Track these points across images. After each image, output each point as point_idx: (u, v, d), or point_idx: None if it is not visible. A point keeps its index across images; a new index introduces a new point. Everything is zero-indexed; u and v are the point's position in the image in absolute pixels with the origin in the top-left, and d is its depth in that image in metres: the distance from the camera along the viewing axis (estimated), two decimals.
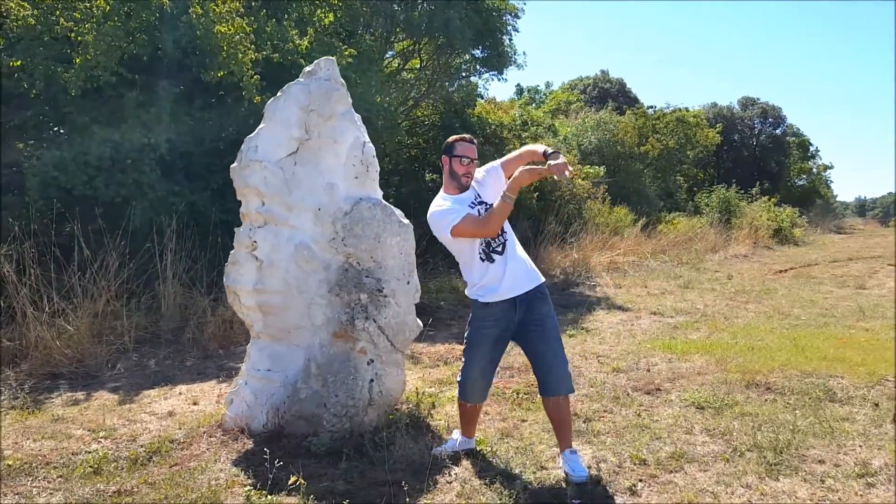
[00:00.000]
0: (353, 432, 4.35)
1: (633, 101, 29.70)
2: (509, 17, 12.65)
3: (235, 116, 9.07)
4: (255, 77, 8.17)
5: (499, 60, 12.73)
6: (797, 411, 4.80)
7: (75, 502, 3.54)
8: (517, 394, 5.38)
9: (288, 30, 8.91)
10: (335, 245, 4.46)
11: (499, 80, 13.72)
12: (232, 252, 4.65)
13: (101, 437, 4.55)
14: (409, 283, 4.64)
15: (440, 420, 4.76)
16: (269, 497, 3.51)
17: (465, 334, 4.06)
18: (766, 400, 5.09)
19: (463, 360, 4.06)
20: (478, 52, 13.17)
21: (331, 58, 4.77)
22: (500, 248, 3.89)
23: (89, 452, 4.25)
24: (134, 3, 8.14)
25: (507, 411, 4.98)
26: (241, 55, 8.10)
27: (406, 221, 4.70)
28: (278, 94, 4.69)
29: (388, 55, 13.52)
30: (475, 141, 4.09)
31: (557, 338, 3.93)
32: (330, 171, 4.55)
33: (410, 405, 4.95)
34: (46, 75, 7.95)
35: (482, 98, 15.23)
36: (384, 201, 4.68)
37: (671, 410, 4.92)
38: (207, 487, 3.68)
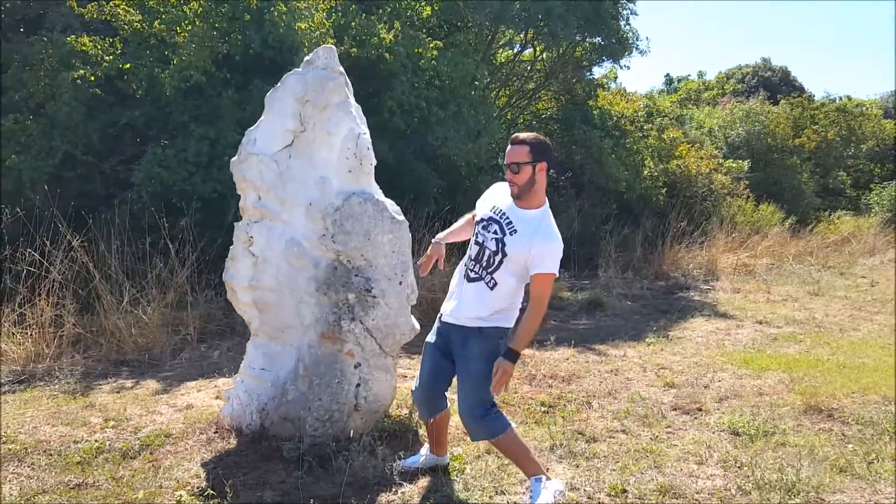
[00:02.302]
0: (336, 438, 4.17)
1: (798, 91, 27.17)
2: (624, 0, 11.90)
3: None
4: None
5: (617, 48, 12.02)
6: (850, 445, 4.05)
7: (32, 491, 3.62)
8: (541, 405, 4.97)
9: (375, 24, 8.86)
10: (325, 242, 4.28)
11: (621, 68, 12.85)
12: (231, 247, 4.62)
13: (110, 427, 4.67)
14: (401, 283, 4.38)
15: None
16: (199, 502, 3.41)
17: None
18: (819, 429, 4.35)
19: None
20: (599, 40, 12.52)
21: (330, 46, 4.60)
22: (472, 275, 3.46)
23: (88, 442, 4.37)
24: (225, 4, 8.42)
25: (517, 423, 4.59)
26: None
27: (400, 218, 4.43)
28: (278, 84, 4.59)
29: (502, 46, 13.23)
30: (528, 139, 3.37)
31: (475, 383, 3.42)
32: (324, 165, 4.38)
33: (400, 410, 4.70)
34: (149, 76, 8.42)
35: (604, 88, 14.49)
36: (379, 196, 4.44)
37: (697, 435, 4.33)
38: (156, 488, 3.64)
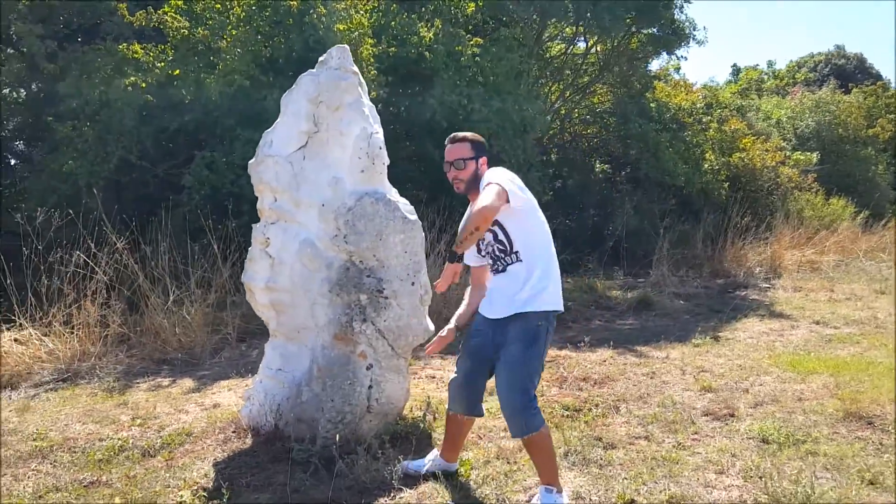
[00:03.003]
0: (348, 440, 4.14)
1: (874, 79, 25.79)
2: None
3: None
4: (372, 72, 8.19)
5: (671, 38, 11.66)
6: (885, 455, 3.78)
7: (45, 488, 3.71)
8: (565, 409, 4.83)
9: (416, 22, 8.83)
10: (337, 242, 4.26)
11: (678, 58, 12.50)
12: (250, 248, 4.64)
13: (136, 425, 4.76)
14: (413, 283, 4.31)
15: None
16: (199, 503, 3.43)
17: None
18: (854, 437, 4.09)
19: None
20: (654, 31, 12.19)
21: (343, 46, 4.57)
22: (500, 267, 3.49)
23: (112, 440, 4.46)
24: (268, 8, 8.53)
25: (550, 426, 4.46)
26: (361, 51, 8.17)
27: (413, 218, 4.37)
28: (293, 86, 4.60)
29: (553, 40, 13.03)
30: (468, 137, 3.55)
31: (512, 369, 3.35)
32: (337, 165, 4.36)
33: (419, 412, 4.63)
34: (196, 82, 8.60)
35: (662, 80, 14.10)
36: (391, 196, 4.38)
37: (723, 443, 4.12)
38: (163, 487, 3.68)
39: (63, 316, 6.54)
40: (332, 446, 4.01)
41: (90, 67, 8.94)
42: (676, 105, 13.08)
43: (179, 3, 8.75)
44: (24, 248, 6.70)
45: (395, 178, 9.74)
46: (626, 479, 3.65)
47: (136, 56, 8.67)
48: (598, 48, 12.95)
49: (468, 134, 3.58)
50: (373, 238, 4.22)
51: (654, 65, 13.84)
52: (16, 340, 6.36)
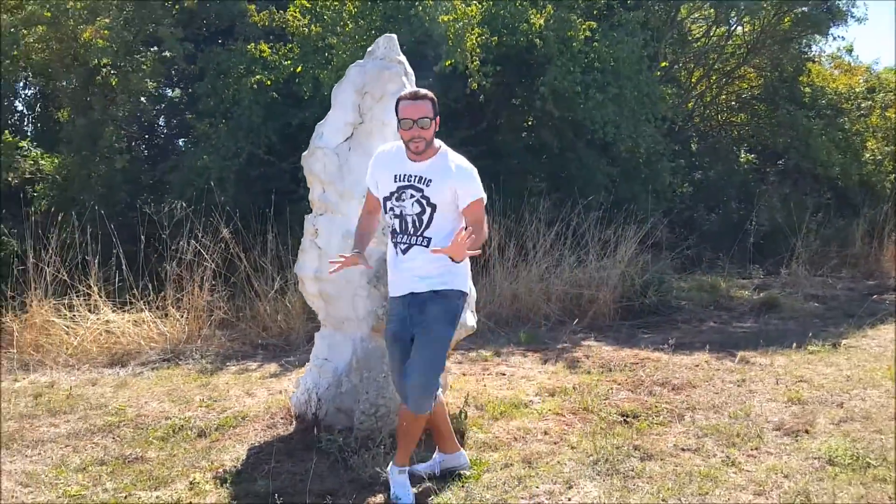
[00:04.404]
0: (380, 433, 4.11)
1: None
2: None
3: (477, 105, 9.13)
4: (475, 63, 8.09)
5: (824, 16, 10.59)
6: None
7: (92, 460, 3.98)
8: (622, 414, 4.53)
9: (528, 9, 8.61)
10: (377, 235, 4.23)
11: (834, 38, 11.33)
12: (302, 239, 4.73)
13: (204, 406, 5.01)
14: None
15: (486, 433, 4.23)
16: (207, 486, 3.54)
17: None
18: None
19: None
20: (805, 9, 11.14)
21: (391, 35, 4.54)
22: (402, 246, 3.37)
23: (176, 419, 4.71)
24: (380, 3, 8.67)
25: (581, 431, 4.22)
26: (466, 42, 8.10)
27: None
28: (343, 77, 4.63)
29: (695, 22, 12.27)
30: (429, 95, 3.33)
31: (435, 349, 3.29)
32: None
33: (474, 411, 4.50)
34: (314, 78, 8.92)
35: (816, 62, 12.84)
36: None
37: (780, 462, 3.70)
38: (190, 467, 3.83)
39: (175, 300, 7.03)
40: (363, 438, 4.03)
41: (224, 67, 9.53)
42: (833, 90, 11.89)
43: (304, 2, 9.10)
44: (148, 237, 7.30)
45: (511, 170, 9.73)
46: (648, 493, 3.36)
47: (264, 55, 9.12)
48: (746, 28, 12.03)
49: (428, 92, 3.36)
50: None
51: (811, 45, 12.60)
52: (133, 322, 6.90)
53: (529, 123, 10.29)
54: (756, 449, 3.91)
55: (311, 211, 4.74)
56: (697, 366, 5.78)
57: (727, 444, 4.00)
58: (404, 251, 3.34)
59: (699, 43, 12.32)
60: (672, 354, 6.13)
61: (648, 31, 9.39)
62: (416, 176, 3.31)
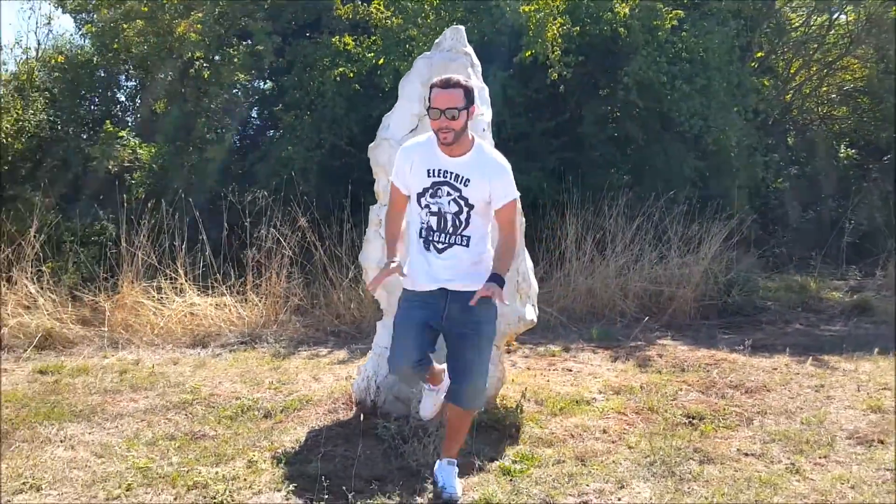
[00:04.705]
0: (439, 424, 4.13)
1: None
2: None
3: (559, 95, 9.01)
4: (556, 52, 7.98)
5: None
6: None
7: (162, 435, 4.16)
8: (687, 416, 4.40)
9: None
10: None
11: None
12: (366, 229, 4.79)
13: (272, 389, 5.16)
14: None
15: (542, 429, 4.18)
16: (263, 464, 3.64)
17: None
18: None
19: None
20: None
21: (458, 27, 4.53)
22: (440, 246, 3.22)
23: (245, 399, 4.86)
24: None
25: (641, 431, 4.11)
26: (547, 32, 7.99)
27: None
28: (410, 69, 4.65)
29: (795, 10, 11.70)
30: (462, 83, 3.11)
31: (488, 349, 3.29)
32: None
33: (534, 406, 4.46)
34: (394, 71, 9.00)
35: None
36: None
37: (849, 472, 3.52)
38: (249, 447, 3.95)
39: (254, 286, 7.27)
40: (419, 427, 4.06)
41: (310, 60, 9.75)
42: None
43: None
44: (231, 225, 7.58)
45: (593, 162, 9.56)
46: (701, 497, 3.26)
47: (348, 48, 9.28)
48: (849, 17, 11.40)
49: (461, 79, 3.16)
50: None
51: None
52: (215, 306, 7.17)
53: (615, 115, 10.07)
54: (825, 457, 3.73)
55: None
56: (776, 369, 5.55)
57: (794, 450, 3.83)
58: (441, 250, 3.20)
59: (798, 32, 11.76)
60: (750, 356, 5.91)
61: (741, 21, 9.02)
62: (452, 173, 3.17)
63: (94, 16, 10.13)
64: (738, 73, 8.71)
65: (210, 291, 7.24)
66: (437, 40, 4.59)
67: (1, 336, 6.35)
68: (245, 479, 3.46)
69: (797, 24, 11.84)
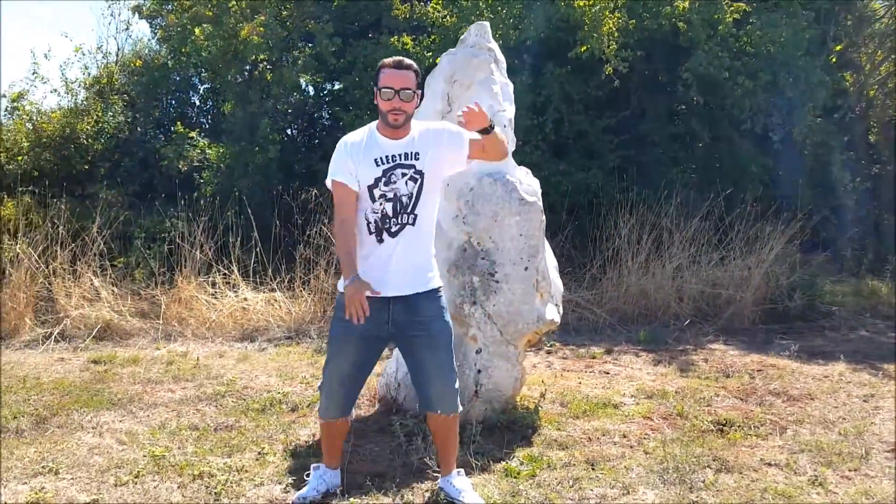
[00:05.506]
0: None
1: None
2: None
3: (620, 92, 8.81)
4: (611, 47, 7.80)
5: None
6: None
7: (185, 426, 4.27)
8: (715, 423, 4.21)
9: None
10: (458, 223, 4.23)
11: None
12: None
13: (304, 383, 5.20)
14: (527, 268, 4.10)
15: (560, 431, 4.09)
16: (272, 457, 3.69)
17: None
18: None
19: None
20: None
21: (483, 23, 4.48)
22: (393, 228, 3.08)
23: (276, 393, 4.94)
24: None
25: (663, 438, 3.96)
26: (603, 27, 7.83)
27: (531, 199, 4.15)
28: (436, 66, 4.63)
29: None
30: (414, 67, 3.08)
31: (446, 345, 3.14)
32: None
33: (558, 408, 4.37)
34: None
35: None
36: (510, 177, 4.19)
37: (877, 485, 3.31)
38: (266, 439, 4.01)
39: (303, 282, 7.40)
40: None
41: (370, 60, 9.85)
42: None
43: None
44: (285, 223, 7.76)
45: (657, 159, 9.31)
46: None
47: (406, 47, 9.33)
48: None
49: (412, 62, 3.12)
50: (489, 219, 4.12)
51: None
52: (266, 301, 7.34)
53: (679, 111, 9.79)
54: (854, 470, 3.51)
55: None
56: (826, 376, 5.27)
57: (823, 462, 3.61)
58: (394, 233, 3.07)
59: (881, 23, 11.11)
60: (803, 363, 5.65)
61: (811, 12, 8.60)
62: (401, 154, 3.08)
63: (162, 21, 10.53)
64: (807, 67, 8.29)
65: (261, 287, 7.41)
66: (462, 36, 4.55)
67: (64, 326, 6.68)
68: (250, 471, 3.52)
69: (881, 15, 11.18)
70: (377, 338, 3.16)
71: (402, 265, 3.09)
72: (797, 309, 7.27)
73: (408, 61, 3.10)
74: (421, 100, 3.19)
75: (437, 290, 3.19)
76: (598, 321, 7.05)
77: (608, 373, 5.46)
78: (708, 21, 8.07)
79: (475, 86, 4.30)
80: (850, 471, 3.51)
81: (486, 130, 3.02)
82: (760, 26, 8.22)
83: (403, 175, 3.07)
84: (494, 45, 4.43)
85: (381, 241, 3.10)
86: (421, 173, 3.08)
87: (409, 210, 3.08)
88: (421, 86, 3.17)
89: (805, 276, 7.58)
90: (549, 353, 6.09)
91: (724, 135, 9.34)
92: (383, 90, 3.02)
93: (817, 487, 3.32)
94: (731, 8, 7.94)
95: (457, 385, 3.20)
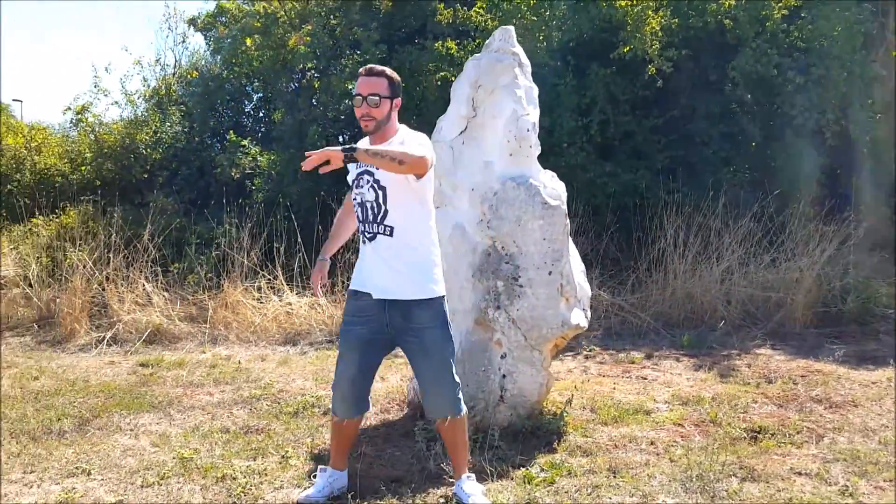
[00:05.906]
0: (478, 427, 4.09)
1: None
2: None
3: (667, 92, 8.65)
4: (654, 46, 7.67)
5: None
6: None
7: (216, 429, 4.37)
8: (749, 431, 4.10)
9: None
10: (482, 227, 4.23)
11: None
12: None
13: None
14: (551, 273, 4.07)
15: (586, 437, 4.03)
16: (296, 461, 3.76)
17: None
18: None
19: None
20: None
21: (507, 27, 4.47)
22: (367, 234, 3.19)
23: (309, 396, 5.01)
24: None
25: (693, 445, 3.88)
26: (646, 27, 7.71)
27: (554, 203, 4.11)
28: (462, 71, 4.64)
29: None
30: (387, 73, 3.15)
31: (439, 353, 3.14)
32: (489, 149, 4.32)
33: (588, 413, 4.32)
34: None
35: None
36: (534, 180, 4.16)
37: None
38: (293, 442, 4.08)
39: (344, 286, 7.49)
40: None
41: (415, 66, 9.93)
42: None
43: None
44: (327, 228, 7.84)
45: (708, 160, 9.14)
46: None
47: (451, 52, 9.37)
48: None
49: (386, 69, 3.18)
50: (512, 223, 4.11)
51: None
52: (310, 306, 7.46)
53: (730, 110, 9.55)
54: (889, 480, 3.36)
55: None
56: (874, 383, 5.07)
57: (857, 472, 3.48)
58: (370, 239, 3.18)
59: None
60: (851, 368, 5.45)
61: (868, 4, 8.29)
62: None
63: (216, 33, 10.82)
64: (862, 62, 7.99)
65: (305, 292, 7.53)
66: (486, 41, 4.55)
67: (116, 330, 6.92)
68: (271, 474, 3.58)
69: None
70: (379, 340, 3.24)
71: (381, 269, 3.17)
72: (851, 312, 7.00)
73: (380, 68, 3.17)
74: (394, 106, 3.22)
75: (433, 300, 3.19)
76: (641, 325, 6.93)
77: (645, 378, 5.36)
78: (756, 17, 7.86)
79: (499, 90, 4.29)
80: (884, 481, 3.37)
81: (351, 159, 2.95)
82: (811, 20, 7.96)
83: (367, 182, 3.16)
84: (519, 50, 4.41)
85: (363, 242, 3.25)
86: (378, 182, 3.12)
87: (379, 220, 3.14)
88: (398, 92, 3.21)
89: (860, 277, 7.30)
90: (587, 357, 6.03)
91: (776, 133, 9.08)
92: (355, 97, 3.12)
93: (847, 498, 3.20)
94: (780, 3, 7.71)
95: (454, 391, 3.21)
